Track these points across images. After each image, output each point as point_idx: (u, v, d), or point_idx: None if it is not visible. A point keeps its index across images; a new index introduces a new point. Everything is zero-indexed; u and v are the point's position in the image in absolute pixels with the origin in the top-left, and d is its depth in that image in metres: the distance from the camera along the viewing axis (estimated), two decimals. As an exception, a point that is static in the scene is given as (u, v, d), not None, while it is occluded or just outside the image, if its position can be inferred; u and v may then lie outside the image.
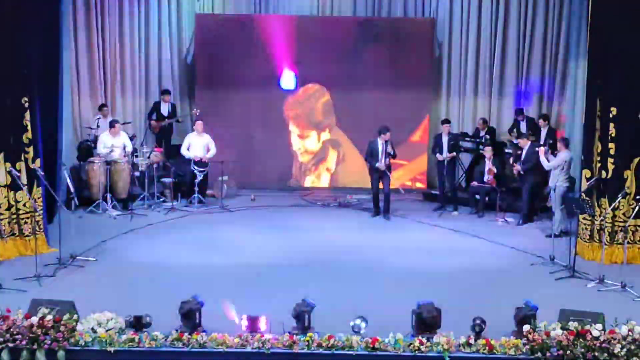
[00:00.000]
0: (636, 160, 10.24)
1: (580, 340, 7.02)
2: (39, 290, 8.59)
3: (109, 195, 12.43)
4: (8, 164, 9.89)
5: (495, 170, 12.79)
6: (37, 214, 10.16)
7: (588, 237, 10.52)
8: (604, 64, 10.24)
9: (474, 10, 14.39)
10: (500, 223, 12.35)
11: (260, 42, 14.16)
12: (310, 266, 9.93)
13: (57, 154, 11.48)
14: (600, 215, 10.33)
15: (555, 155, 11.70)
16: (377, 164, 12.45)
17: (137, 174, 12.97)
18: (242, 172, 14.25)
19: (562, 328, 7.14)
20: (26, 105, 10.05)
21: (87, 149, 13.33)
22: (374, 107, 14.22)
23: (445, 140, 13.20)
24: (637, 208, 9.97)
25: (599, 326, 7.14)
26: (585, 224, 10.54)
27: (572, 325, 7.14)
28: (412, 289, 8.73)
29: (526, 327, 7.22)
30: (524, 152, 12.18)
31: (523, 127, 13.77)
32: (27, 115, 10.08)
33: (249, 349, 7.08)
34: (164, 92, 14.25)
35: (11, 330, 7.06)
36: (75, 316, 7.28)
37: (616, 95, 10.20)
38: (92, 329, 7.22)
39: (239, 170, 14.11)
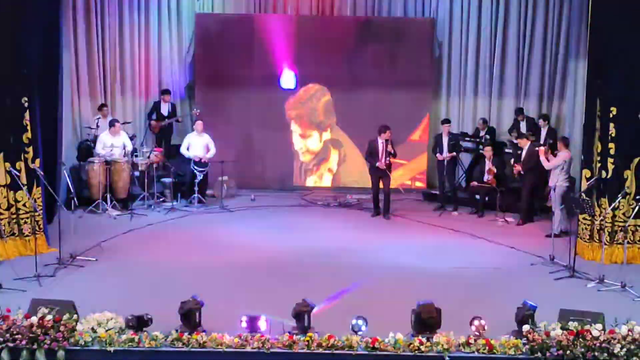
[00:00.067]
0: (636, 160, 10.24)
1: (580, 340, 7.02)
2: (39, 290, 8.59)
3: (108, 195, 12.43)
4: (8, 164, 9.89)
5: (495, 170, 12.79)
6: (36, 213, 10.16)
7: (588, 237, 10.52)
8: (604, 64, 10.24)
9: (474, 10, 14.40)
10: (500, 223, 12.35)
11: (260, 41, 14.17)
12: (310, 266, 9.92)
13: (56, 154, 11.49)
14: (600, 215, 10.33)
15: (555, 155, 11.70)
16: (377, 164, 12.45)
17: (137, 174, 12.97)
18: (242, 172, 14.25)
19: (562, 328, 7.13)
20: (26, 105, 10.05)
21: (87, 149, 13.32)
22: (374, 107, 14.22)
23: (445, 140, 13.20)
24: (637, 208, 9.97)
25: (599, 326, 7.13)
26: (585, 224, 10.54)
27: (572, 325, 7.14)
28: (412, 289, 8.74)
29: (526, 327, 7.22)
30: (524, 152, 12.18)
31: (523, 127, 13.77)
32: (27, 115, 10.07)
33: (248, 349, 7.07)
34: (164, 92, 14.25)
35: (11, 330, 7.05)
36: (75, 316, 7.28)
37: (616, 95, 10.20)
38: (92, 328, 7.21)
39: (239, 170, 14.11)
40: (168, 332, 7.19)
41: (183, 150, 13.25)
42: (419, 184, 14.59)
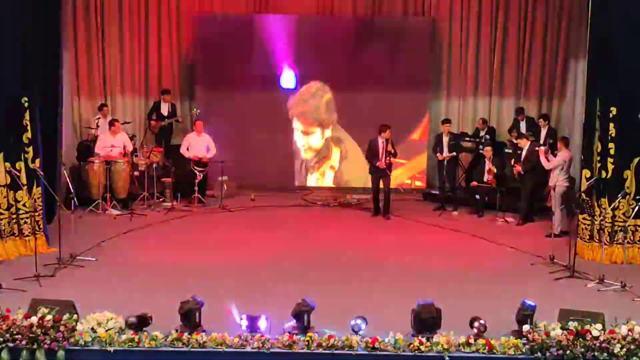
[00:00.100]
0: (636, 160, 10.24)
1: (580, 340, 7.01)
2: (39, 290, 8.59)
3: (108, 195, 12.43)
4: (8, 164, 9.89)
5: (495, 170, 12.79)
6: (36, 213, 10.16)
7: (588, 237, 10.51)
8: (604, 64, 10.23)
9: (474, 10, 14.40)
10: (500, 223, 12.35)
11: (260, 41, 14.17)
12: (310, 266, 9.92)
13: (56, 154, 11.48)
14: (600, 215, 10.33)
15: (555, 155, 11.70)
16: (378, 163, 12.45)
17: (137, 174, 12.98)
18: (242, 172, 14.26)
19: (561, 328, 7.13)
20: (26, 105, 10.05)
21: (86, 149, 13.33)
22: (374, 107, 14.22)
23: (445, 140, 13.20)
24: (636, 208, 9.97)
25: (599, 326, 7.13)
26: (585, 224, 10.53)
27: (572, 325, 7.14)
28: (412, 289, 8.74)
29: (526, 327, 7.22)
30: (524, 152, 12.18)
31: (523, 127, 13.77)
32: (27, 115, 10.07)
33: (248, 348, 7.07)
34: (164, 92, 14.25)
35: (11, 330, 7.05)
36: (75, 316, 7.28)
37: (616, 95, 10.20)
38: (92, 328, 7.21)
39: (239, 170, 14.11)
40: (168, 332, 7.19)
41: (183, 150, 13.25)
42: (418, 183, 14.60)
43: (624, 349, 6.96)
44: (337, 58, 14.25)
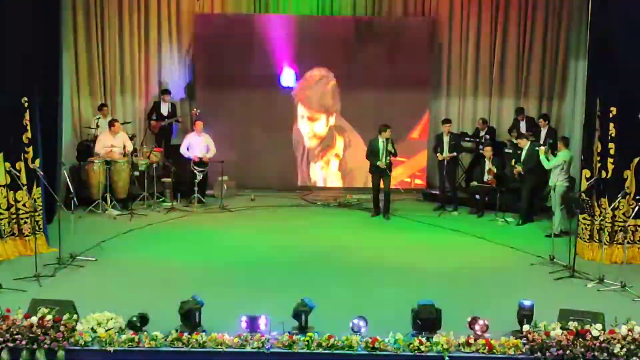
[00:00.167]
0: (636, 160, 10.24)
1: (580, 340, 7.02)
2: (39, 290, 8.59)
3: (108, 195, 12.43)
4: (8, 164, 9.88)
5: (495, 170, 12.79)
6: (36, 213, 10.16)
7: (588, 237, 10.51)
8: (604, 64, 10.23)
9: (474, 10, 14.40)
10: (500, 223, 12.35)
11: (260, 41, 14.17)
12: (310, 266, 9.92)
13: (56, 154, 11.48)
14: (600, 215, 10.33)
15: (555, 155, 11.70)
16: (378, 162, 12.45)
17: (137, 173, 12.98)
18: (242, 172, 14.26)
19: (561, 328, 7.13)
20: (26, 105, 10.05)
21: (86, 149, 13.33)
22: (373, 107, 14.23)
23: (446, 140, 13.20)
24: (636, 208, 9.97)
25: (599, 326, 7.14)
26: (585, 224, 10.53)
27: (572, 325, 7.14)
28: (412, 289, 8.75)
29: (526, 327, 7.22)
30: (524, 152, 12.18)
31: (523, 127, 13.77)
32: (27, 115, 10.07)
33: (248, 348, 7.08)
34: (164, 92, 14.25)
35: (11, 330, 7.05)
36: (75, 316, 7.28)
37: (616, 95, 10.20)
38: (92, 328, 7.21)
39: (239, 170, 14.12)
40: (168, 332, 7.19)
41: (183, 150, 13.25)
42: (418, 182, 14.60)
43: (624, 349, 6.96)
44: (337, 58, 14.25)
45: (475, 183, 13.02)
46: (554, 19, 14.10)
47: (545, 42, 14.23)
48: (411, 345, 7.07)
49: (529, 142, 12.24)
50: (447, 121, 13.49)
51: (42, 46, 10.62)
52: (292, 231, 11.68)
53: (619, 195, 10.06)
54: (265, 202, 13.59)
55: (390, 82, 14.20)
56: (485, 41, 14.44)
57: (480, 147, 13.62)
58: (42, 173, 10.08)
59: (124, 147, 12.79)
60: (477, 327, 7.25)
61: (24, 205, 10.12)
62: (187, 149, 13.19)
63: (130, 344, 7.10)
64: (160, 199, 13.12)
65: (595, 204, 10.39)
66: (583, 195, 10.33)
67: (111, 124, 12.92)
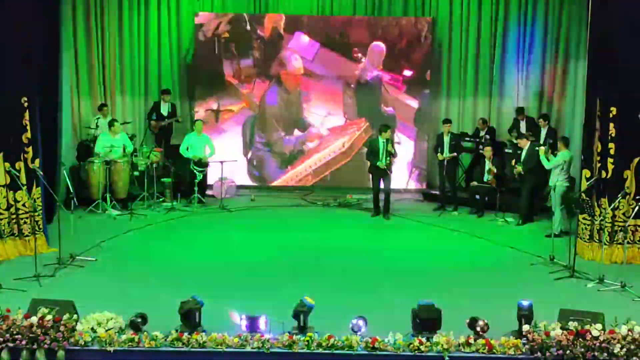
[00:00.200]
0: (636, 160, 10.24)
1: (580, 340, 7.02)
2: (39, 290, 8.59)
3: (108, 195, 12.43)
4: (7, 164, 9.88)
5: (495, 170, 12.78)
6: (36, 213, 10.16)
7: (588, 237, 10.51)
8: (604, 64, 10.23)
9: (474, 10, 14.39)
10: (500, 223, 12.35)
11: (260, 41, 14.17)
12: (310, 266, 9.92)
13: (56, 154, 11.48)
14: (600, 215, 10.33)
15: (555, 155, 11.70)
16: (378, 163, 12.45)
17: (137, 173, 12.98)
18: (242, 172, 14.26)
19: (561, 328, 7.14)
20: (26, 105, 10.04)
21: (86, 149, 13.33)
22: (374, 106, 14.22)
23: (446, 140, 13.20)
24: (636, 208, 9.97)
25: (599, 326, 7.14)
26: (585, 224, 10.53)
27: (572, 325, 7.15)
28: (412, 289, 8.75)
29: (526, 327, 7.22)
30: (524, 152, 12.18)
31: (523, 127, 13.77)
32: (27, 115, 10.07)
33: (248, 348, 7.08)
34: (164, 92, 14.25)
35: (11, 330, 7.05)
36: (75, 316, 7.28)
37: (616, 95, 10.20)
38: (92, 328, 7.22)
39: (239, 170, 14.11)
40: (168, 332, 7.19)
41: (183, 150, 13.25)
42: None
43: (624, 349, 6.97)
44: (337, 58, 14.24)
45: (475, 183, 13.03)
46: (554, 19, 14.10)
47: (545, 42, 14.22)
48: (411, 345, 7.07)
49: (529, 142, 12.24)
50: (447, 121, 13.48)
51: (42, 46, 10.63)
52: (292, 231, 11.67)
53: (619, 195, 10.07)
54: (265, 202, 13.58)
55: (389, 82, 14.20)
56: (485, 41, 14.43)
57: (480, 147, 13.62)
58: (41, 173, 10.08)
59: (124, 148, 12.78)
60: (479, 325, 7.24)
61: (23, 205, 10.12)
62: (187, 149, 13.19)
63: (130, 344, 7.10)
64: (160, 199, 13.12)
65: (595, 204, 10.40)
66: (583, 195, 10.33)
67: (111, 124, 12.91)
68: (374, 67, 14.25)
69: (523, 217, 12.28)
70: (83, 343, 7.09)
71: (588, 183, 10.39)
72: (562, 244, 10.39)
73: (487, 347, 7.08)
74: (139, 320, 7.34)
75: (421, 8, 14.55)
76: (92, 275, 9.42)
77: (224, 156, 13.25)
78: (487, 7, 14.30)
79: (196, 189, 12.98)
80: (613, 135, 10.18)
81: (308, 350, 7.06)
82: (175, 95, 14.60)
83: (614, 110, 10.15)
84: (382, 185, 12.60)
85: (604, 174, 10.29)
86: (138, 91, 14.54)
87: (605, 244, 10.23)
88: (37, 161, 10.19)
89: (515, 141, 13.03)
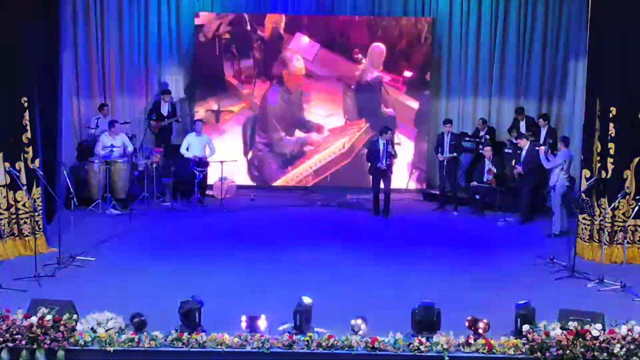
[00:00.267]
0: (636, 160, 10.24)
1: (580, 340, 7.02)
2: (39, 290, 8.59)
3: (108, 195, 12.43)
4: (7, 164, 9.88)
5: (495, 170, 12.79)
6: (36, 214, 10.16)
7: (588, 237, 10.51)
8: (604, 64, 10.23)
9: (474, 10, 14.39)
10: (501, 223, 12.35)
11: (260, 41, 14.17)
12: (309, 266, 9.92)
13: (56, 154, 11.47)
14: (600, 215, 10.33)
15: (555, 155, 11.70)
16: (378, 164, 12.45)
17: (136, 174, 12.98)
18: (243, 172, 14.25)
19: (561, 328, 7.13)
20: (26, 105, 10.04)
21: (86, 149, 13.33)
22: (373, 106, 14.22)
23: (446, 140, 13.20)
24: (636, 208, 9.97)
25: (599, 326, 7.13)
26: (585, 224, 10.53)
27: (572, 325, 7.14)
28: (412, 289, 8.75)
29: (526, 327, 7.22)
30: (524, 152, 12.18)
31: (523, 127, 13.77)
32: (27, 115, 10.07)
33: (248, 348, 7.08)
34: (164, 92, 14.24)
35: (11, 330, 7.05)
36: (74, 316, 7.28)
37: (616, 95, 10.19)
38: (92, 328, 7.22)
39: (240, 170, 14.11)
40: (168, 332, 7.19)
41: (183, 150, 13.25)
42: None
43: (624, 349, 6.97)
44: (337, 58, 14.24)
45: (475, 183, 13.03)
46: (554, 19, 14.10)
47: (545, 42, 14.23)
48: (411, 345, 7.07)
49: (529, 142, 12.24)
50: (448, 122, 13.47)
51: (42, 46, 10.62)
52: (292, 231, 11.67)
53: (619, 195, 10.06)
54: (265, 202, 13.58)
55: (389, 82, 14.20)
56: (485, 41, 14.43)
57: (480, 147, 13.62)
58: (42, 173, 10.07)
59: (125, 148, 12.78)
60: (479, 326, 7.24)
61: (23, 205, 10.12)
62: (187, 149, 13.19)
63: (130, 344, 7.10)
64: (160, 199, 13.11)
65: (595, 204, 10.39)
66: (583, 195, 10.33)
67: (111, 124, 12.92)
68: (374, 68, 14.28)
69: (523, 217, 12.27)
70: (83, 343, 7.08)
71: (588, 183, 10.38)
72: (562, 244, 10.38)
73: (487, 347, 7.08)
74: (142, 319, 7.32)
75: (421, 8, 14.55)
76: (92, 275, 9.41)
77: (224, 156, 13.26)
78: (487, 7, 14.31)
79: (196, 189, 12.98)
80: (613, 135, 10.18)
81: (308, 350, 7.06)
82: (175, 95, 14.58)
83: (614, 110, 10.15)
84: (382, 186, 12.61)
85: (603, 174, 10.28)
86: (138, 91, 14.54)
87: (605, 244, 10.23)
88: (37, 161, 10.19)
89: (515, 141, 13.03)
